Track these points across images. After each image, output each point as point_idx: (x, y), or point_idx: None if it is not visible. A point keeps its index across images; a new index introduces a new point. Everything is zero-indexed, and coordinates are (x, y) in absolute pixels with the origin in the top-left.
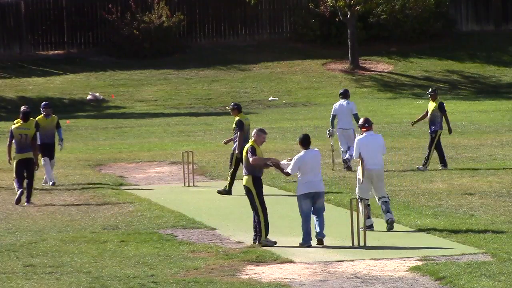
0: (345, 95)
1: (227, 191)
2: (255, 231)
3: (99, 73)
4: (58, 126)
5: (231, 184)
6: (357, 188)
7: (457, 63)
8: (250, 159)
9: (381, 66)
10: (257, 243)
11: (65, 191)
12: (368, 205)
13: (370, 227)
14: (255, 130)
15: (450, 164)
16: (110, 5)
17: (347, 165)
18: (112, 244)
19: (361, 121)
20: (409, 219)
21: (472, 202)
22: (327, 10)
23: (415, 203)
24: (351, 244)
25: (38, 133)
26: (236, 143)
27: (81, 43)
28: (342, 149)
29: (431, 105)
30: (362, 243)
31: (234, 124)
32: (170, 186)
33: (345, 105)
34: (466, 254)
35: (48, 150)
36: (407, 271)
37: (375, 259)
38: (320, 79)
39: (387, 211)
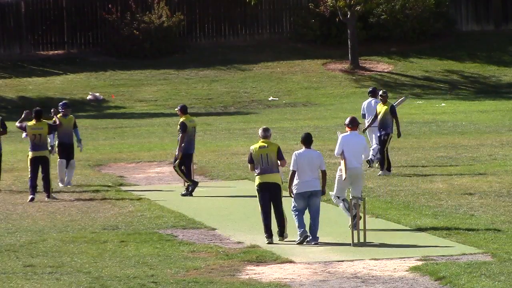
0: (373, 93)
1: (193, 185)
2: (281, 230)
3: (99, 73)
4: (75, 126)
5: (189, 179)
6: (335, 188)
7: (457, 63)
8: (285, 160)
9: (381, 66)
10: (282, 237)
11: (65, 191)
12: (345, 199)
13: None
14: (271, 131)
15: (450, 164)
16: (110, 5)
17: (371, 164)
18: (112, 244)
19: (347, 120)
20: (409, 219)
21: (472, 202)
22: (327, 10)
23: (415, 203)
24: (351, 244)
25: (54, 134)
26: (179, 142)
27: (81, 43)
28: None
29: (382, 108)
30: (362, 243)
31: (178, 126)
32: (170, 186)
33: (373, 103)
34: (466, 254)
35: (66, 151)
36: (407, 271)
37: (375, 259)
38: (320, 79)
39: (355, 216)
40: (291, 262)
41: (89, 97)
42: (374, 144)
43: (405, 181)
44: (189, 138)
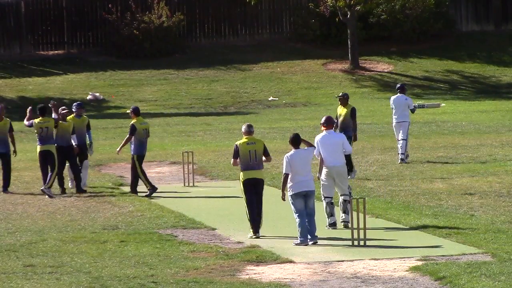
0: (402, 89)
1: (152, 189)
2: (258, 221)
3: (99, 73)
4: (88, 127)
5: (148, 182)
6: (321, 187)
7: (457, 63)
8: (271, 156)
9: (381, 66)
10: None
11: (65, 191)
12: (332, 203)
13: (333, 225)
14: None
15: (450, 164)
16: (110, 5)
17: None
18: (112, 244)
19: (322, 119)
20: (409, 219)
21: (472, 202)
22: (327, 10)
23: (415, 203)
24: (351, 244)
25: (74, 135)
26: (123, 143)
27: (81, 43)
28: (399, 139)
29: (342, 111)
30: (362, 243)
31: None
32: (170, 186)
33: (402, 99)
34: (466, 254)
35: (79, 151)
36: (407, 271)
37: (375, 259)
38: (320, 79)
39: (344, 211)
40: (291, 262)
41: (89, 97)
42: (400, 140)
43: (405, 181)
44: (139, 140)
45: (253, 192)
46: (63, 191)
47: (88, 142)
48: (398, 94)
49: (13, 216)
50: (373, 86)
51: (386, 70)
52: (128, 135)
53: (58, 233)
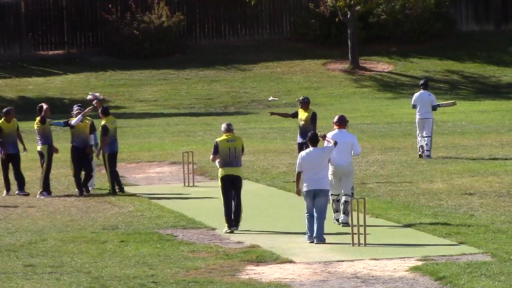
0: (425, 85)
1: (121, 189)
2: (237, 218)
3: (99, 73)
4: (92, 129)
5: (113, 185)
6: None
7: (457, 63)
8: (245, 151)
9: (381, 66)
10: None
11: (65, 191)
12: (338, 200)
13: (339, 220)
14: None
15: (450, 164)
16: (110, 5)
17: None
18: (112, 244)
19: (335, 118)
20: (409, 219)
21: (472, 202)
22: (327, 10)
23: (415, 203)
24: (351, 244)
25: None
26: (100, 145)
27: (81, 43)
28: (420, 134)
29: (303, 115)
30: (362, 243)
31: (100, 128)
32: (170, 186)
33: (426, 95)
34: (466, 254)
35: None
36: (407, 271)
37: (375, 259)
38: (320, 79)
39: (344, 212)
40: (291, 262)
41: (89, 97)
42: (420, 137)
43: (405, 181)
44: (111, 138)
45: (231, 188)
46: (81, 193)
47: (94, 143)
48: (422, 91)
49: (13, 216)
50: (373, 86)
51: (386, 70)
52: (102, 137)
53: (58, 233)
